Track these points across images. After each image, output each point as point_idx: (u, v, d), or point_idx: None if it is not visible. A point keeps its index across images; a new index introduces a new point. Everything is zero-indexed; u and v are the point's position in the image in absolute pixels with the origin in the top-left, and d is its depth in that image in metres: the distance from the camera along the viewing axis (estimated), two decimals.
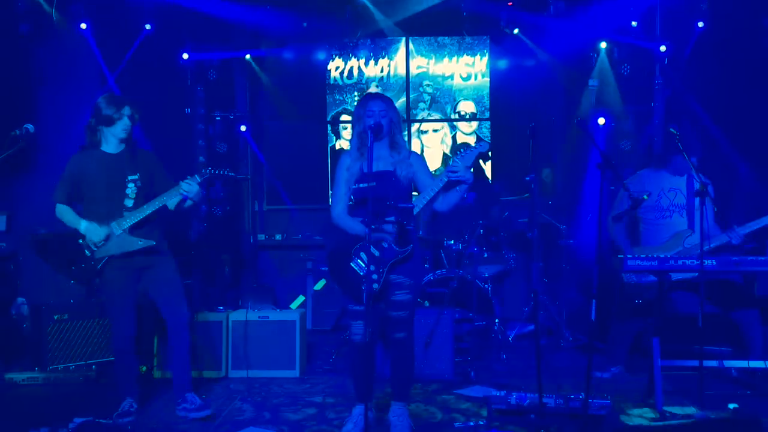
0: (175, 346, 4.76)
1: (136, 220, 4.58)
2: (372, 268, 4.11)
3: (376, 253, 4.14)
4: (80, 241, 4.61)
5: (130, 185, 4.64)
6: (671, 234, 5.30)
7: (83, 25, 7.38)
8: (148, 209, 4.58)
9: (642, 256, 4.81)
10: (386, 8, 8.23)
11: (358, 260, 4.19)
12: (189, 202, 4.68)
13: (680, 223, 5.32)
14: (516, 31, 8.09)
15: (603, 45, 7.87)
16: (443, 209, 4.30)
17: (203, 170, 4.63)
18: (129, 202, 4.61)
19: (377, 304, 4.23)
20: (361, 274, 4.15)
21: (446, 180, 4.16)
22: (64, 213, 4.69)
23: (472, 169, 4.20)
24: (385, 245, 4.16)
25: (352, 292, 4.21)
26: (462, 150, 4.21)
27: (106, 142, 4.69)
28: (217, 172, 4.67)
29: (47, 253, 4.69)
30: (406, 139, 8.29)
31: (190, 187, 4.56)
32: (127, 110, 4.64)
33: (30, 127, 4.44)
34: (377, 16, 8.20)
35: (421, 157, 4.48)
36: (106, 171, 4.63)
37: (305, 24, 8.23)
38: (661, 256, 4.78)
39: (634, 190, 5.34)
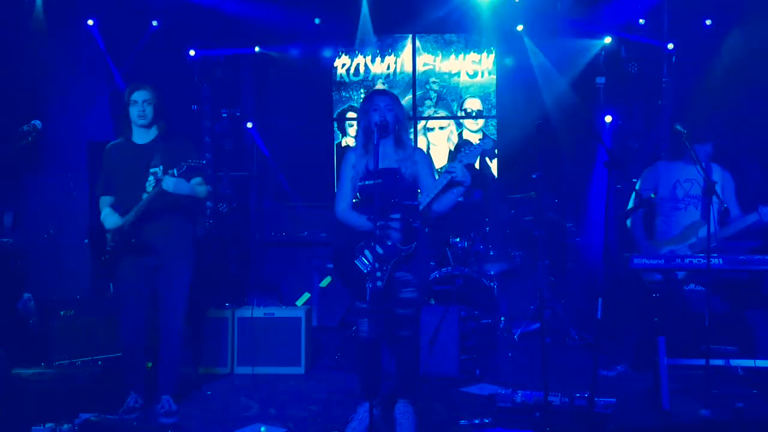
0: (163, 349, 4.77)
1: (135, 218, 4.54)
2: (376, 265, 4.11)
3: (380, 251, 4.14)
4: (107, 234, 4.63)
5: (150, 178, 4.61)
6: (685, 226, 5.26)
7: (90, 22, 7.39)
8: (143, 205, 4.52)
9: (651, 252, 4.79)
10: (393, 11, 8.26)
11: (362, 258, 4.19)
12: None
13: (694, 215, 5.27)
14: (520, 27, 8.07)
15: (609, 42, 7.84)
16: (439, 210, 4.29)
17: (181, 164, 4.46)
18: (146, 196, 4.58)
19: (383, 301, 4.23)
20: (365, 271, 4.15)
21: (449, 178, 4.14)
22: (101, 204, 4.74)
23: (477, 164, 4.20)
24: (389, 243, 4.15)
25: (356, 290, 4.21)
26: (465, 148, 4.21)
27: (135, 132, 4.71)
28: (193, 164, 4.48)
29: (97, 241, 4.72)
30: (412, 137, 8.32)
31: (172, 187, 4.46)
32: (138, 95, 4.61)
33: (37, 123, 4.45)
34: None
35: (425, 155, 4.47)
36: (128, 162, 4.64)
37: (318, 20, 8.21)
38: (668, 252, 4.77)
39: (644, 188, 5.33)
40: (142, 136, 4.72)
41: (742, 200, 5.35)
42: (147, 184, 4.60)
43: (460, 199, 4.28)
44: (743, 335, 5.28)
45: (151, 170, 4.62)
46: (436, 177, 4.30)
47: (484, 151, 4.27)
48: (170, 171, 4.47)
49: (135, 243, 4.56)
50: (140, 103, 4.62)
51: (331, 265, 5.91)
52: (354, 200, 4.38)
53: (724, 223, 5.14)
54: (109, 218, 4.62)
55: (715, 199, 4.80)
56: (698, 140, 5.17)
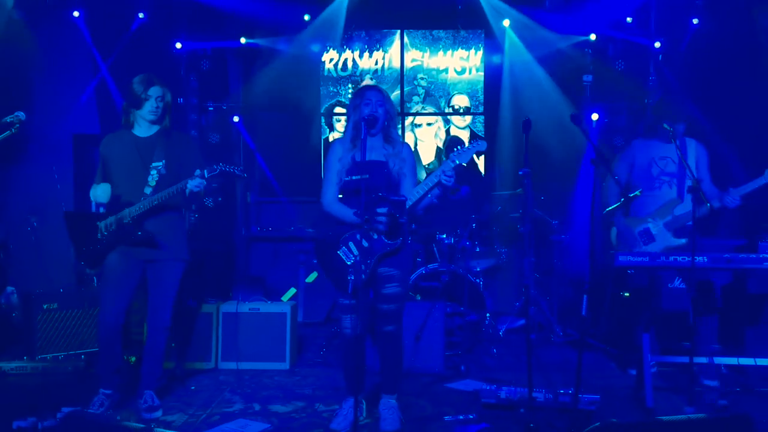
0: (148, 345, 4.72)
1: (143, 210, 4.50)
2: (359, 258, 4.10)
3: (365, 244, 4.13)
4: (98, 222, 4.57)
5: (153, 172, 4.57)
6: (661, 204, 5.29)
7: (76, 13, 7.33)
8: (156, 200, 4.49)
9: (628, 233, 4.85)
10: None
11: (346, 249, 4.17)
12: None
13: (669, 193, 5.32)
14: (506, 23, 8.07)
15: (596, 39, 7.86)
16: (419, 208, 4.32)
17: (214, 166, 4.47)
18: (148, 190, 4.54)
19: (366, 296, 4.21)
20: (348, 263, 4.14)
21: (440, 179, 4.14)
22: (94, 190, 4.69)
23: (464, 164, 4.20)
24: (375, 236, 4.14)
25: (337, 281, 4.20)
26: (459, 148, 4.20)
27: (138, 125, 4.67)
28: (227, 169, 4.50)
29: (72, 228, 4.65)
30: (400, 133, 8.31)
31: (200, 188, 4.45)
32: (154, 91, 4.58)
33: (21, 114, 4.41)
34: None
35: (411, 153, 4.46)
36: (130, 156, 4.59)
37: (308, 16, 8.18)
38: (652, 251, 4.80)
39: (620, 168, 5.36)
40: (144, 130, 4.68)
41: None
42: (150, 178, 4.56)
43: (435, 202, 4.32)
44: (726, 333, 5.32)
45: (153, 164, 4.58)
46: (419, 176, 4.31)
47: (476, 153, 4.28)
48: (198, 172, 4.43)
49: (141, 236, 4.51)
50: (154, 99, 4.59)
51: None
52: (338, 195, 4.37)
53: (720, 194, 5.14)
54: (107, 192, 4.52)
55: (704, 165, 5.06)
56: (671, 120, 5.21)
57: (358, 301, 4.09)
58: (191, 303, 5.80)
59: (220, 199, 8.29)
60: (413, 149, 8.43)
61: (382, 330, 4.30)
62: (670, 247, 5.19)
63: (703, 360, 4.80)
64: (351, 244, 4.16)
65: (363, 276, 4.09)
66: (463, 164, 4.17)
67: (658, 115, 5.32)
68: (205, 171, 4.45)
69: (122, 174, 4.60)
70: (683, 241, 5.20)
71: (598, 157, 4.11)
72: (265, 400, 4.96)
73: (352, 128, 4.33)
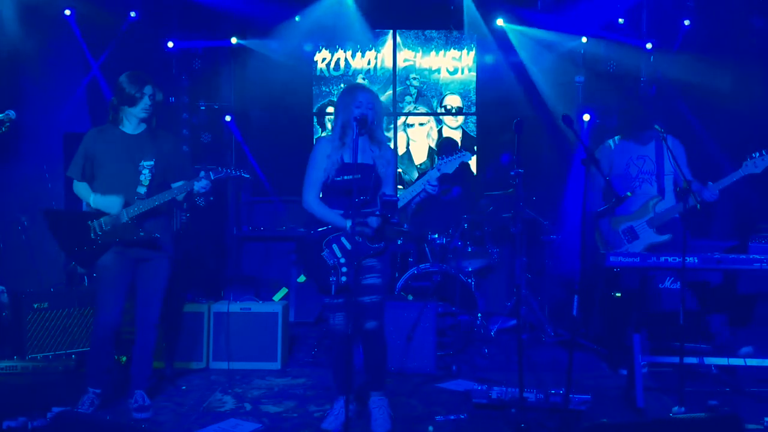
0: (138, 344, 4.71)
1: (143, 210, 4.47)
2: (342, 261, 4.10)
3: (349, 247, 4.11)
4: (89, 222, 4.50)
5: (144, 171, 4.54)
6: (642, 202, 5.36)
7: (67, 12, 7.30)
8: (157, 200, 4.47)
9: (623, 251, 4.84)
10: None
11: (329, 251, 4.15)
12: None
13: (649, 191, 5.39)
14: (500, 22, 8.08)
15: (588, 40, 7.88)
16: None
17: (219, 168, 4.48)
18: (142, 189, 4.51)
19: (349, 295, 4.18)
20: (330, 263, 4.13)
21: (424, 188, 4.27)
22: (80, 189, 4.62)
23: (449, 173, 4.30)
24: (359, 239, 4.12)
25: (318, 282, 4.18)
26: (444, 156, 4.26)
27: (127, 122, 4.61)
28: (234, 173, 4.54)
29: (57, 228, 4.59)
30: (390, 134, 8.33)
31: (206, 190, 4.48)
32: (148, 89, 4.55)
33: (11, 113, 4.39)
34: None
35: (396, 156, 4.47)
36: (120, 153, 4.54)
37: (298, 18, 8.17)
38: (642, 252, 4.82)
39: (604, 167, 5.41)
40: (133, 127, 4.63)
41: (720, 199, 5.38)
42: (142, 177, 4.53)
43: (413, 206, 4.44)
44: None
45: (145, 163, 4.55)
46: (410, 176, 4.35)
47: (461, 164, 4.38)
48: (202, 173, 4.44)
49: (143, 236, 4.49)
50: (148, 97, 4.56)
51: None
52: (320, 195, 4.34)
53: (700, 188, 5.16)
54: (116, 204, 4.45)
55: (683, 161, 5.12)
56: (644, 123, 5.31)
57: (346, 300, 4.08)
58: (188, 296, 5.80)
59: (211, 198, 8.25)
60: (405, 149, 8.50)
61: (364, 328, 4.26)
62: (653, 244, 5.23)
63: (694, 360, 4.82)
64: (335, 247, 4.15)
65: (344, 278, 4.08)
66: (448, 173, 4.24)
67: (634, 120, 5.43)
68: (211, 173, 4.45)
69: (112, 172, 4.55)
70: (666, 237, 5.25)
71: (589, 158, 4.12)
72: (256, 400, 4.95)
73: (341, 128, 4.30)
